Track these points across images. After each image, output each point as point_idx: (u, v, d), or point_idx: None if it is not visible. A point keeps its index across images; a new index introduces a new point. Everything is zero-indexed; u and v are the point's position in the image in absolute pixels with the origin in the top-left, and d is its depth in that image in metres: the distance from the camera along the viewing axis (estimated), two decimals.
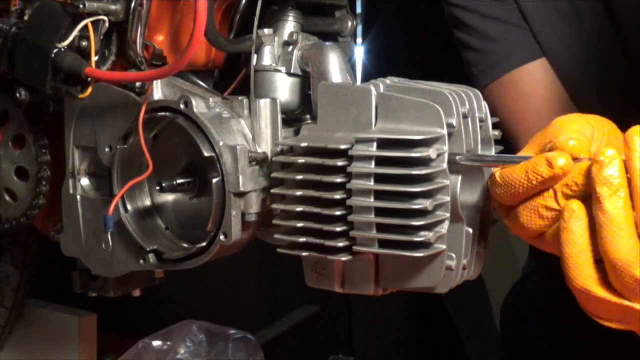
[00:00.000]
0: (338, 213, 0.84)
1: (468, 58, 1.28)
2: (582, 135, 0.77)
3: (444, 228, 0.82)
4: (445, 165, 0.82)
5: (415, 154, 0.81)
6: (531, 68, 1.23)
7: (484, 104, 0.89)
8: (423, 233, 0.81)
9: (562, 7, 1.19)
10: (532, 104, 1.22)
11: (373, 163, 0.82)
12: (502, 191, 0.78)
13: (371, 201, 0.82)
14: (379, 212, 0.82)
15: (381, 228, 0.82)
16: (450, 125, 0.82)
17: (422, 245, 0.82)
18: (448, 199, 0.82)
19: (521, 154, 0.80)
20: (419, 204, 0.80)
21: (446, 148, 0.81)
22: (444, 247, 0.83)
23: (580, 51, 1.19)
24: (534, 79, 1.23)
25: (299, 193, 0.86)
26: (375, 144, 0.82)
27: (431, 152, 0.80)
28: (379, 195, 0.82)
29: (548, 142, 0.77)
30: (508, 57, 1.23)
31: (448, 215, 0.82)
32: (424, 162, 0.81)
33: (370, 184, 0.82)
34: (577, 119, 0.80)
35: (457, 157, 0.83)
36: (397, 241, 0.82)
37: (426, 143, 0.81)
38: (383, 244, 0.83)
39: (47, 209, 1.11)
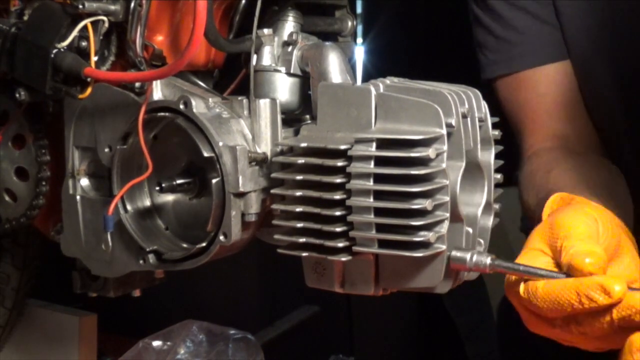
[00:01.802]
0: (338, 213, 0.83)
1: (485, 41, 1.25)
2: (593, 242, 0.77)
3: (444, 228, 0.82)
4: (444, 165, 0.82)
5: (414, 153, 0.80)
6: (551, 69, 1.21)
7: (484, 104, 0.89)
8: (422, 233, 0.81)
9: (597, 8, 1.18)
10: (545, 104, 1.21)
11: (372, 163, 0.82)
12: (546, 306, 0.75)
13: (370, 201, 0.82)
14: (379, 212, 0.82)
15: (381, 228, 0.82)
16: (449, 125, 0.82)
17: (421, 245, 0.82)
18: (447, 198, 0.82)
19: (527, 246, 0.80)
20: (418, 204, 0.80)
21: (445, 147, 0.81)
22: (444, 247, 0.82)
23: (609, 55, 1.18)
24: (553, 80, 1.22)
25: (298, 193, 0.86)
26: (374, 144, 0.82)
27: (430, 152, 0.80)
28: (379, 195, 0.82)
29: (559, 245, 0.77)
30: (532, 54, 1.22)
31: (447, 215, 0.82)
32: (423, 161, 0.81)
33: (370, 183, 0.82)
34: (581, 217, 0.79)
35: (491, 262, 0.82)
36: (396, 241, 0.82)
37: (425, 143, 0.81)
38: (382, 244, 0.83)
39: (47, 209, 1.11)
